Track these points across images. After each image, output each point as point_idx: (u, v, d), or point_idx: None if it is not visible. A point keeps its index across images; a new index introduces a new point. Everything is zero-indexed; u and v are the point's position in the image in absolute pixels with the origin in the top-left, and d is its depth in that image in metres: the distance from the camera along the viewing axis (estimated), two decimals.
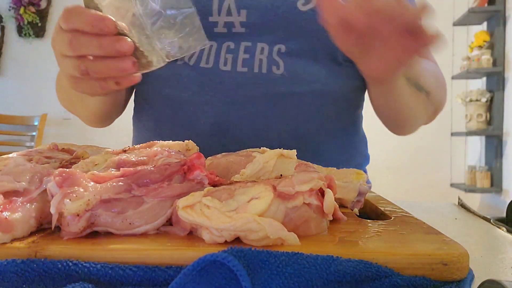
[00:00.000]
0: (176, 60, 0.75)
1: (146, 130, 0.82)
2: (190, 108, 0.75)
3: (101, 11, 0.51)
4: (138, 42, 0.50)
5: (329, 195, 0.39)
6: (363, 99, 0.86)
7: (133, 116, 0.86)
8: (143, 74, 0.72)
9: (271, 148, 0.71)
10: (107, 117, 0.85)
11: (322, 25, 0.71)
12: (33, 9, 3.50)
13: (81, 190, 0.37)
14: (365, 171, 0.87)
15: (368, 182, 0.85)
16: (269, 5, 0.73)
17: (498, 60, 2.94)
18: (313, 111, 0.75)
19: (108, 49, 0.49)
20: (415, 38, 0.48)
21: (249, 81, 0.73)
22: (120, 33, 0.49)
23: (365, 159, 0.87)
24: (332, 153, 0.78)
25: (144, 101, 0.81)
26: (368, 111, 0.85)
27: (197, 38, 0.53)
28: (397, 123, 0.82)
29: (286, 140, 0.74)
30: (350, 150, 0.82)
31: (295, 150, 0.46)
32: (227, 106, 0.73)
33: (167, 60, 0.53)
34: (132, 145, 0.85)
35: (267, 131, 0.73)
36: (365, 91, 0.84)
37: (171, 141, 0.53)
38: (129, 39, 0.49)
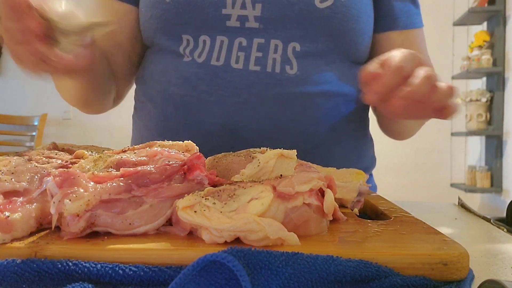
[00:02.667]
0: (183, 56, 0.73)
1: (147, 130, 0.79)
2: (198, 108, 0.72)
3: None
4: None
5: (329, 195, 0.39)
6: None
7: (133, 115, 0.84)
8: (144, 72, 0.71)
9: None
10: (92, 102, 0.82)
11: (338, 25, 0.72)
12: None
13: (81, 190, 0.37)
14: (371, 175, 0.87)
15: (372, 183, 0.86)
16: (285, 0, 0.70)
17: (498, 60, 2.94)
18: (324, 112, 0.74)
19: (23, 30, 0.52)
20: (440, 112, 0.54)
21: (262, 81, 0.70)
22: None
23: (373, 162, 0.87)
24: (342, 155, 0.77)
25: (147, 100, 0.78)
26: (372, 114, 0.85)
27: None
28: (399, 137, 0.88)
29: (297, 142, 0.72)
30: (358, 153, 0.82)
31: (295, 150, 0.46)
32: (238, 106, 0.71)
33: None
34: (131, 145, 0.84)
35: (278, 133, 0.72)
36: None
37: (170, 141, 0.53)
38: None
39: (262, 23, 0.71)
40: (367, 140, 0.86)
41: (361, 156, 0.83)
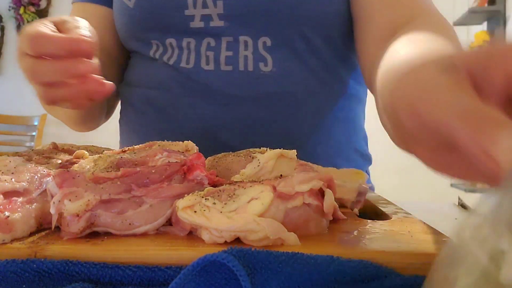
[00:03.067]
0: (156, 59, 0.71)
1: (133, 133, 0.77)
2: (173, 111, 0.70)
3: None
4: None
5: (329, 195, 0.39)
6: (365, 94, 0.81)
7: (119, 119, 0.82)
8: (127, 76, 0.69)
9: None
10: (87, 122, 0.80)
11: (309, 11, 0.65)
12: (33, 9, 3.50)
13: (81, 190, 0.37)
14: (368, 172, 0.83)
15: (369, 182, 0.84)
16: None
17: None
18: (308, 110, 0.70)
19: (71, 72, 0.47)
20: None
21: (235, 80, 0.67)
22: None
23: (366, 159, 0.83)
24: (330, 154, 0.74)
25: (128, 104, 0.77)
26: (367, 110, 0.83)
27: None
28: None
29: (280, 143, 0.67)
30: (347, 151, 0.78)
31: (295, 150, 0.46)
32: (213, 109, 0.68)
33: None
34: (120, 148, 0.83)
35: (259, 134, 0.68)
36: (366, 87, 0.78)
37: (170, 141, 0.53)
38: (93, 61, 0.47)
39: (227, 20, 0.68)
40: (359, 136, 0.81)
41: (351, 154, 0.79)
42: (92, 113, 0.78)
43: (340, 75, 0.74)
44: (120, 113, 0.82)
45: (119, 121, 0.83)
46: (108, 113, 0.85)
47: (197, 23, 0.68)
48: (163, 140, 0.68)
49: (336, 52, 0.73)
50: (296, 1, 0.66)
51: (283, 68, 0.68)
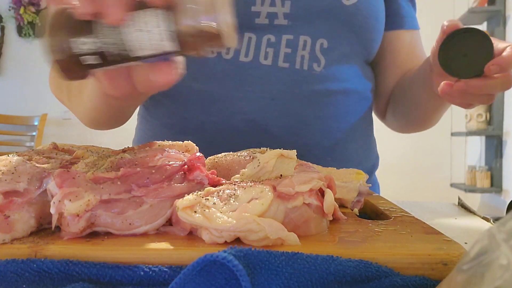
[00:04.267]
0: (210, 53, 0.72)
1: (165, 128, 0.77)
2: (224, 104, 0.71)
3: None
4: None
5: (329, 195, 0.39)
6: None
7: (141, 112, 0.82)
8: None
9: (305, 146, 0.71)
10: (99, 121, 0.72)
11: (361, 22, 0.74)
12: (33, 9, 3.50)
13: (81, 190, 0.37)
14: (374, 174, 0.88)
15: (375, 183, 0.87)
16: None
17: None
18: (344, 110, 0.76)
19: None
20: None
21: (290, 77, 0.71)
22: None
23: (377, 159, 0.89)
24: (355, 153, 0.79)
25: (163, 97, 0.76)
26: None
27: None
28: (420, 126, 0.88)
29: (320, 139, 0.73)
30: (367, 151, 0.84)
31: (295, 150, 0.46)
32: (266, 103, 0.71)
33: None
34: (133, 145, 0.83)
35: (304, 129, 0.72)
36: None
37: (170, 141, 0.53)
38: None
39: (291, 20, 0.71)
40: (373, 138, 0.88)
41: (369, 154, 0.84)
42: (113, 114, 0.68)
43: (367, 81, 0.80)
44: (145, 106, 0.80)
45: (142, 115, 0.82)
46: (126, 118, 0.78)
47: (262, 20, 0.71)
48: (207, 133, 0.68)
49: (367, 62, 0.81)
50: (354, 10, 0.73)
51: (330, 69, 0.73)
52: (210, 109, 0.72)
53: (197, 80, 0.72)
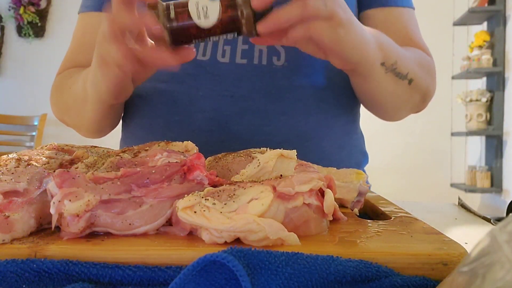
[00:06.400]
0: None
1: (139, 129, 0.78)
2: (186, 103, 0.72)
3: None
4: None
5: (329, 195, 0.39)
6: None
7: (123, 116, 0.82)
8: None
9: (271, 144, 0.69)
10: (101, 127, 0.78)
11: None
12: (32, 9, 3.50)
13: (81, 190, 0.37)
14: (364, 171, 0.86)
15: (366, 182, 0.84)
16: None
17: (498, 60, 2.94)
18: (314, 105, 0.73)
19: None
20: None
21: (249, 73, 0.70)
22: None
23: (364, 157, 0.85)
24: (332, 150, 0.76)
25: (138, 97, 0.77)
26: (370, 114, 0.84)
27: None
28: (380, 109, 0.79)
29: (287, 136, 0.72)
30: (349, 147, 0.80)
31: (295, 150, 0.46)
32: (226, 100, 0.70)
33: None
34: (120, 144, 0.83)
35: (268, 126, 0.71)
36: None
37: (170, 141, 0.53)
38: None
39: None
40: (358, 135, 0.84)
41: (351, 151, 0.81)
42: (111, 117, 0.76)
43: (344, 74, 0.74)
44: (125, 109, 0.82)
45: (123, 117, 0.83)
46: (117, 121, 0.84)
47: None
48: (173, 132, 0.67)
49: None
50: None
51: (293, 62, 0.70)
52: (173, 108, 0.72)
53: (160, 80, 0.73)
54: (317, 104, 0.73)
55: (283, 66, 0.70)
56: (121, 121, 0.85)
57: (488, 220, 0.61)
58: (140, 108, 0.77)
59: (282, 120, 0.71)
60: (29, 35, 3.53)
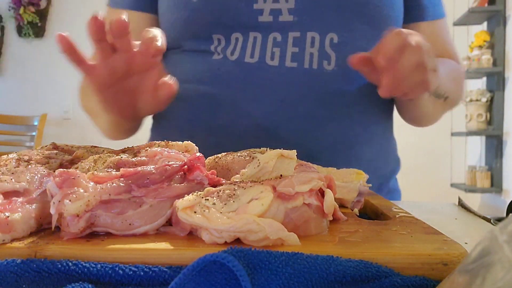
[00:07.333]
0: (213, 54, 0.70)
1: (171, 130, 0.75)
2: (232, 107, 0.68)
3: None
4: None
5: (329, 195, 0.39)
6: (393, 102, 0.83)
7: (154, 115, 0.80)
8: (172, 73, 0.68)
9: (317, 149, 0.68)
10: (117, 134, 0.79)
11: (373, 11, 0.70)
12: (32, 9, 3.49)
13: (81, 190, 0.37)
14: (395, 179, 0.85)
15: (396, 187, 0.82)
16: None
17: (498, 60, 2.94)
18: (359, 112, 0.72)
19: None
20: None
21: (299, 78, 0.67)
22: None
23: (397, 164, 0.84)
24: (372, 157, 0.75)
25: (176, 98, 0.74)
26: None
27: None
28: (415, 122, 0.83)
29: (334, 142, 0.70)
30: (386, 154, 0.80)
31: (295, 150, 0.46)
32: (275, 105, 0.67)
33: None
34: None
35: (317, 132, 0.69)
36: None
37: (171, 141, 0.53)
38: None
39: (297, 15, 0.68)
40: (393, 141, 0.83)
41: (387, 158, 0.80)
42: (127, 127, 0.76)
43: None
44: (160, 112, 0.81)
45: (155, 117, 0.80)
46: (139, 126, 0.83)
47: (265, 17, 0.68)
48: (215, 137, 0.65)
49: None
50: (365, 1, 0.69)
51: (343, 67, 0.69)
52: (216, 112, 0.70)
53: (203, 82, 0.70)
54: (362, 110, 0.72)
55: (333, 70, 0.68)
56: (151, 119, 0.82)
57: (488, 220, 0.61)
58: (177, 110, 0.73)
59: (329, 126, 0.69)
60: (29, 35, 3.52)
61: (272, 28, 0.68)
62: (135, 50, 0.52)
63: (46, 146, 0.53)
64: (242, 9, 0.69)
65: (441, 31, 0.82)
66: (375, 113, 0.75)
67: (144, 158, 0.45)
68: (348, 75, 0.70)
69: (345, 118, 0.71)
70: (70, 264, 0.32)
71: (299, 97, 0.68)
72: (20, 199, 0.38)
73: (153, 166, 0.41)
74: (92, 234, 0.37)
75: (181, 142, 0.52)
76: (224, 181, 0.43)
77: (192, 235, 0.37)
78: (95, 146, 0.56)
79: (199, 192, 0.38)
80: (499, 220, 0.60)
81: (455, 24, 3.16)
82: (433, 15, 0.80)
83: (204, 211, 0.35)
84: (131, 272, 0.31)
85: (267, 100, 0.68)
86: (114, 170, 0.42)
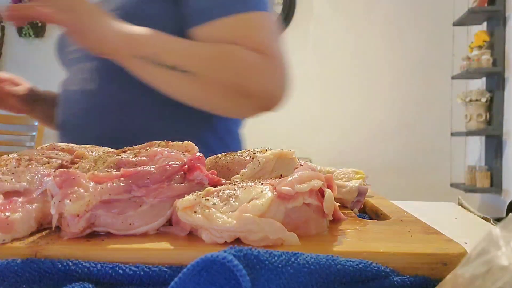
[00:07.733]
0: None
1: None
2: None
3: None
4: None
5: (329, 195, 0.39)
6: None
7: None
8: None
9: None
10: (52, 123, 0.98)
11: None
12: None
13: (81, 190, 0.37)
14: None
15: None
16: None
17: (498, 60, 2.94)
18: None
19: None
20: None
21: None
22: None
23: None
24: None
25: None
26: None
27: None
28: (186, 101, 0.81)
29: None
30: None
31: (295, 150, 0.46)
32: None
33: None
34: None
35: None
36: None
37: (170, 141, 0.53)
38: None
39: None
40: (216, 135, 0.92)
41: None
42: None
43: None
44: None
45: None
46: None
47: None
48: None
49: None
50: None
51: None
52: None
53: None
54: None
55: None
56: None
57: (488, 220, 0.61)
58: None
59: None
60: (29, 35, 3.52)
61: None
62: None
63: (46, 146, 0.53)
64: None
65: (238, 29, 0.78)
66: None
67: (144, 158, 0.45)
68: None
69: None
70: (70, 264, 0.32)
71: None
72: (20, 199, 0.38)
73: (153, 166, 0.41)
74: (92, 234, 0.37)
75: (181, 142, 0.52)
76: (224, 181, 0.43)
77: (192, 235, 0.37)
78: (95, 146, 0.56)
79: (199, 192, 0.38)
80: (499, 220, 0.60)
81: (454, 24, 3.16)
82: (208, 16, 0.78)
83: (204, 211, 0.35)
84: (131, 272, 0.31)
85: None
86: (114, 170, 0.42)
